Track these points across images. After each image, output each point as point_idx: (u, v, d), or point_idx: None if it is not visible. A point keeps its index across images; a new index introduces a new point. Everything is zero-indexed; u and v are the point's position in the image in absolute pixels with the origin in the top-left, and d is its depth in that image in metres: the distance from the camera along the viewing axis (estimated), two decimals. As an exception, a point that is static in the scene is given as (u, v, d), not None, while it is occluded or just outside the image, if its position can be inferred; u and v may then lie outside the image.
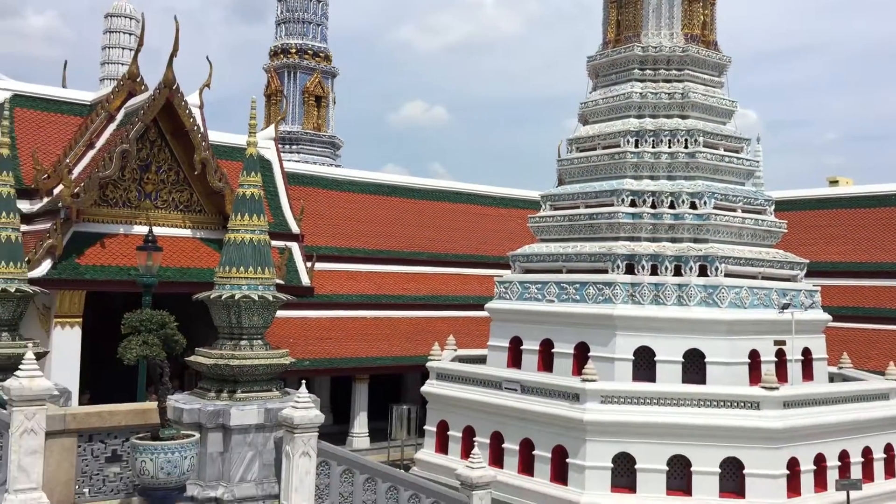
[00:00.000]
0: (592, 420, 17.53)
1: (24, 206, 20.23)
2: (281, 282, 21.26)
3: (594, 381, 17.95)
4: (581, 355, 19.73)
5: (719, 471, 17.20)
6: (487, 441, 19.86)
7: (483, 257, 32.01)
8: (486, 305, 23.02)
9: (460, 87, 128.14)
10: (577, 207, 21.98)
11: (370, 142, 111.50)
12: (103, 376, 19.47)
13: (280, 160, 26.45)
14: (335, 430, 23.91)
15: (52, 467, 9.90)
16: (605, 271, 20.09)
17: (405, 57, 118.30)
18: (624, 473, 17.60)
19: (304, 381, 11.13)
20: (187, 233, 21.81)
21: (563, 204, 22.54)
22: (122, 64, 40.70)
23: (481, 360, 22.75)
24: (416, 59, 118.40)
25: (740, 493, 17.14)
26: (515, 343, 21.67)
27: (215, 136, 23.69)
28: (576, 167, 22.67)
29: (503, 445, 19.69)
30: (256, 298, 11.23)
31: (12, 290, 12.44)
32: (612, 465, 17.52)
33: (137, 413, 10.84)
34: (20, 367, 9.49)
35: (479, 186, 35.65)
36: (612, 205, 20.96)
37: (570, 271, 21.00)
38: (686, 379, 18.72)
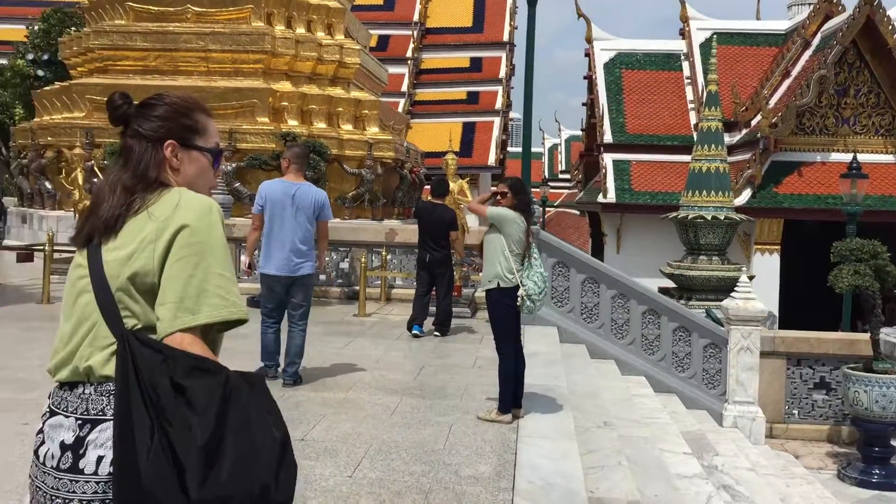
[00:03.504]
0: None
1: (725, 138, 21.40)
2: None
3: None
4: None
5: None
6: None
7: None
8: None
9: None
10: None
11: None
12: (799, 303, 19.72)
13: None
14: None
15: (764, 385, 10.47)
16: None
17: None
18: None
19: None
20: (889, 158, 20.38)
21: None
22: (812, -14, 39.44)
23: None
24: None
25: None
26: None
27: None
28: None
29: None
30: None
31: (721, 218, 13.39)
32: None
33: (846, 343, 10.76)
34: (736, 289, 10.24)
35: None
36: None
37: None
38: None
